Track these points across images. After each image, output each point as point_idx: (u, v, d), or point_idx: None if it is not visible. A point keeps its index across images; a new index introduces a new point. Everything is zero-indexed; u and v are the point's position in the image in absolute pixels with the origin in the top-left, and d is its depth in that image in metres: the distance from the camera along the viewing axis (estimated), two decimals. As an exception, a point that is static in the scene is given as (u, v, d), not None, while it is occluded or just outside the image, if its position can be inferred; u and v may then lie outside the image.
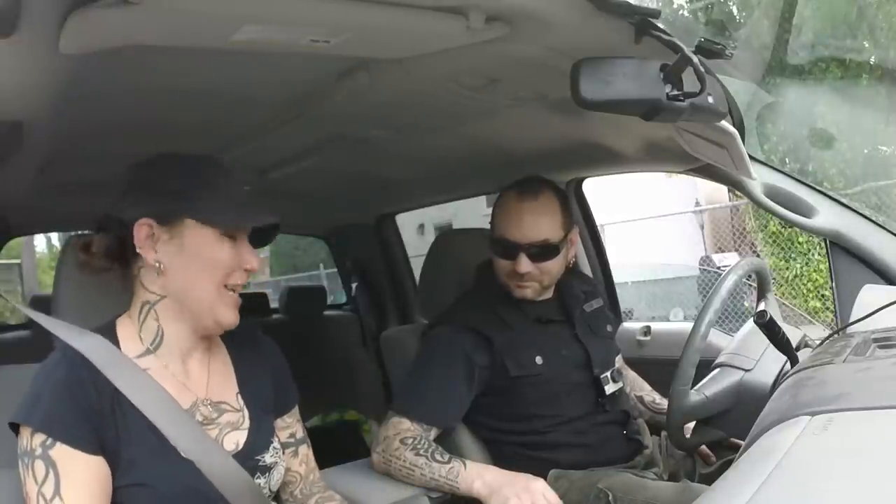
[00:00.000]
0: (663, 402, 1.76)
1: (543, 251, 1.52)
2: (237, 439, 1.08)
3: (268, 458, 1.10)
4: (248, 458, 1.06)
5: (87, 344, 0.98)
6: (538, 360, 1.55)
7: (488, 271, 1.64)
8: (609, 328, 1.72)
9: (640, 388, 1.83)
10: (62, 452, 0.93)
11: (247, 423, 1.10)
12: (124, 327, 1.06)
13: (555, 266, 1.56)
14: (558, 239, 1.53)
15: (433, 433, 1.50)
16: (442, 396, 1.51)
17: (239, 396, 1.12)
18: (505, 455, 1.54)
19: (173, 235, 1.03)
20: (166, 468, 0.98)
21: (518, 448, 1.55)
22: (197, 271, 1.03)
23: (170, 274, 1.03)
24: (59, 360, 0.99)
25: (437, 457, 1.40)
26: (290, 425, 1.22)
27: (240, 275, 1.07)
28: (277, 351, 1.24)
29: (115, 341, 1.03)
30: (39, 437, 0.93)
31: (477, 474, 1.35)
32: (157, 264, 1.02)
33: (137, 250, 1.02)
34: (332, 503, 1.21)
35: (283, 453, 1.18)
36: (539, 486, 1.29)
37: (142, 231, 1.02)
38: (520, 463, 1.43)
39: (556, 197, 1.57)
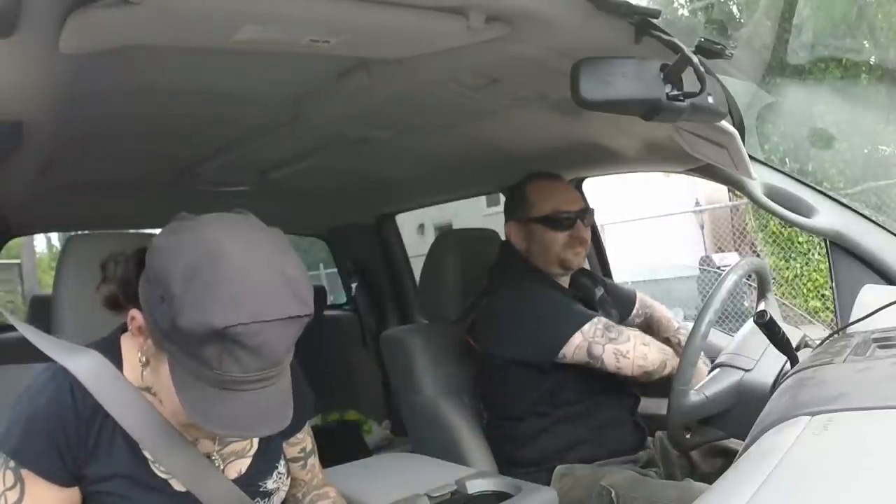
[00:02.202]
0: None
1: (589, 217, 1.69)
2: (240, 467, 1.02)
3: (269, 484, 1.04)
4: (250, 483, 1.01)
5: (81, 363, 0.90)
6: None
7: (513, 261, 1.69)
8: (614, 312, 1.81)
9: (666, 330, 1.86)
10: (31, 476, 0.88)
11: (253, 450, 1.04)
12: (130, 350, 0.96)
13: (590, 236, 1.71)
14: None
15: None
16: (574, 304, 1.60)
17: None
18: (527, 429, 1.60)
19: (155, 356, 0.87)
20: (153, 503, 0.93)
21: (541, 419, 1.60)
22: (167, 402, 0.89)
23: (150, 373, 0.91)
24: (45, 383, 0.91)
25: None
26: (300, 441, 1.15)
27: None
28: (294, 366, 1.11)
29: (119, 360, 0.94)
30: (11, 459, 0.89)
31: None
32: (141, 356, 0.90)
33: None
34: (324, 501, 1.17)
35: (293, 467, 1.14)
36: None
37: (133, 322, 0.88)
38: (541, 436, 1.55)
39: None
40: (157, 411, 0.92)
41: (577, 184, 2.15)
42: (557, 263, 1.66)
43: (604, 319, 1.55)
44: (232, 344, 0.77)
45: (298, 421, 1.11)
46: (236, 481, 0.99)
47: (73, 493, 0.91)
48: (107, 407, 0.89)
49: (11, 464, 0.88)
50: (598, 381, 1.57)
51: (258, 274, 0.80)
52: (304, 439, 1.16)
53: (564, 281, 1.71)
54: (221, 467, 0.99)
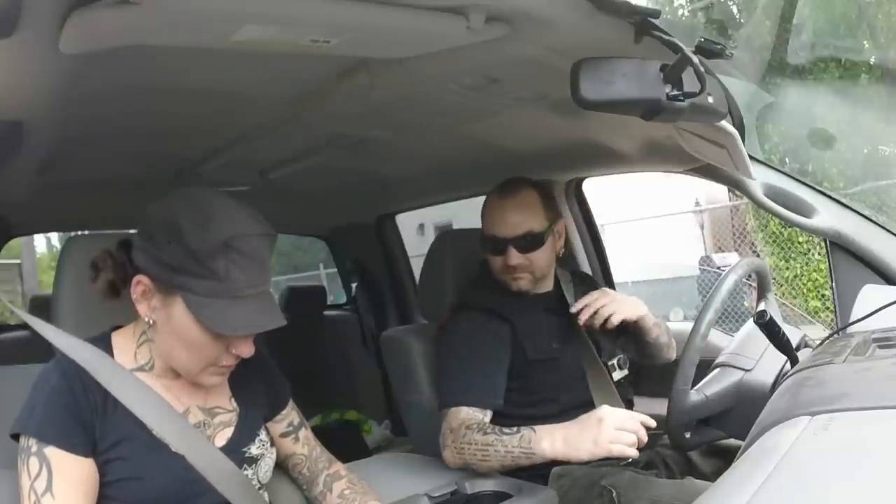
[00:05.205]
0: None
1: (529, 242, 1.57)
2: (227, 435, 1.12)
3: (254, 450, 1.14)
4: (235, 450, 1.10)
5: (80, 351, 1.00)
6: (554, 345, 1.60)
7: (481, 273, 1.69)
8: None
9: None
10: (56, 453, 0.96)
11: (236, 420, 1.14)
12: (121, 341, 1.08)
13: (543, 256, 1.60)
14: (542, 229, 1.58)
15: (488, 416, 1.50)
16: (489, 380, 1.52)
17: (232, 399, 1.16)
18: None
19: (165, 304, 1.00)
20: (159, 462, 1.02)
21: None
22: (181, 347, 1.02)
23: (158, 333, 1.03)
24: (52, 369, 1.02)
25: (506, 430, 1.38)
26: (286, 415, 1.25)
27: (229, 358, 1.04)
28: (264, 353, 1.23)
29: (110, 352, 1.06)
30: (35, 439, 0.97)
31: (546, 434, 1.32)
32: (148, 319, 1.02)
33: (133, 301, 1.02)
34: (339, 482, 1.25)
35: (287, 443, 1.24)
36: (608, 416, 1.25)
37: (138, 287, 1.01)
38: None
39: (536, 192, 1.62)
40: (150, 387, 1.03)
41: (577, 184, 2.15)
42: (501, 283, 1.63)
43: (469, 418, 1.44)
44: (235, 252, 0.96)
45: (279, 399, 1.24)
46: (224, 448, 1.09)
47: (92, 466, 0.99)
48: (104, 384, 0.99)
49: (34, 448, 0.96)
50: (565, 392, 1.57)
51: (233, 207, 1.01)
52: (290, 414, 1.26)
53: (544, 285, 1.66)
54: (211, 436, 1.09)
